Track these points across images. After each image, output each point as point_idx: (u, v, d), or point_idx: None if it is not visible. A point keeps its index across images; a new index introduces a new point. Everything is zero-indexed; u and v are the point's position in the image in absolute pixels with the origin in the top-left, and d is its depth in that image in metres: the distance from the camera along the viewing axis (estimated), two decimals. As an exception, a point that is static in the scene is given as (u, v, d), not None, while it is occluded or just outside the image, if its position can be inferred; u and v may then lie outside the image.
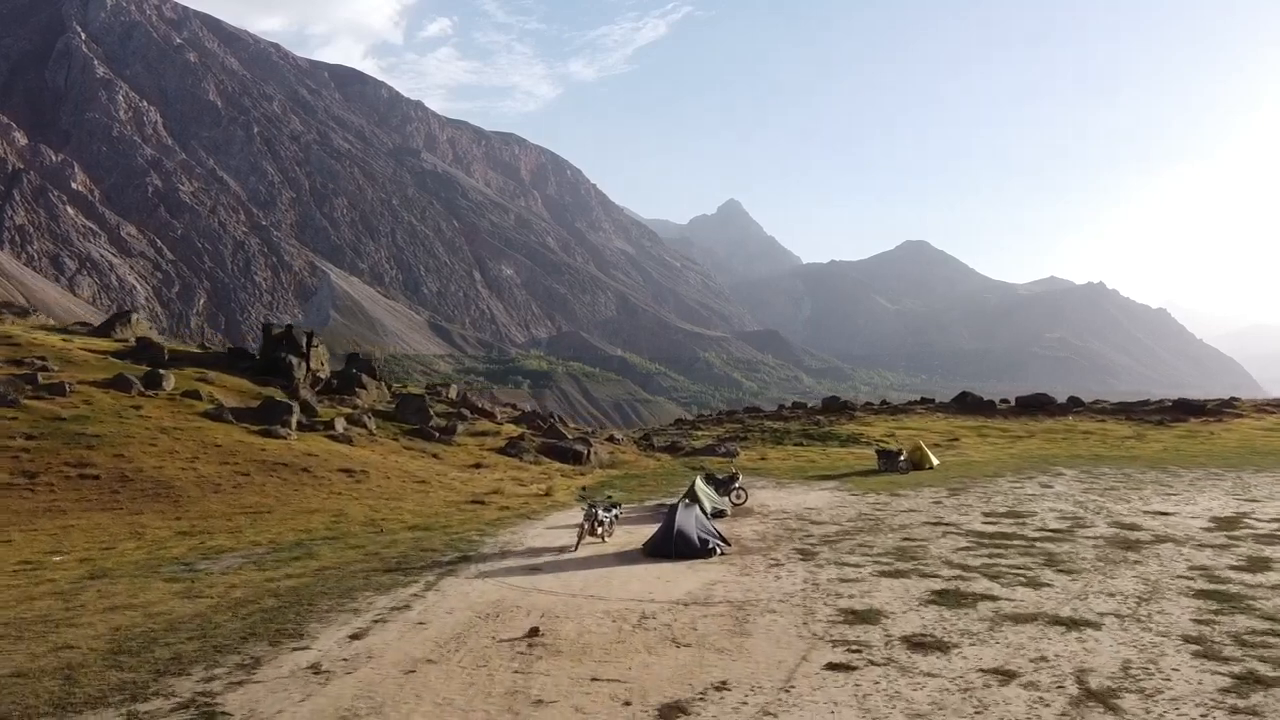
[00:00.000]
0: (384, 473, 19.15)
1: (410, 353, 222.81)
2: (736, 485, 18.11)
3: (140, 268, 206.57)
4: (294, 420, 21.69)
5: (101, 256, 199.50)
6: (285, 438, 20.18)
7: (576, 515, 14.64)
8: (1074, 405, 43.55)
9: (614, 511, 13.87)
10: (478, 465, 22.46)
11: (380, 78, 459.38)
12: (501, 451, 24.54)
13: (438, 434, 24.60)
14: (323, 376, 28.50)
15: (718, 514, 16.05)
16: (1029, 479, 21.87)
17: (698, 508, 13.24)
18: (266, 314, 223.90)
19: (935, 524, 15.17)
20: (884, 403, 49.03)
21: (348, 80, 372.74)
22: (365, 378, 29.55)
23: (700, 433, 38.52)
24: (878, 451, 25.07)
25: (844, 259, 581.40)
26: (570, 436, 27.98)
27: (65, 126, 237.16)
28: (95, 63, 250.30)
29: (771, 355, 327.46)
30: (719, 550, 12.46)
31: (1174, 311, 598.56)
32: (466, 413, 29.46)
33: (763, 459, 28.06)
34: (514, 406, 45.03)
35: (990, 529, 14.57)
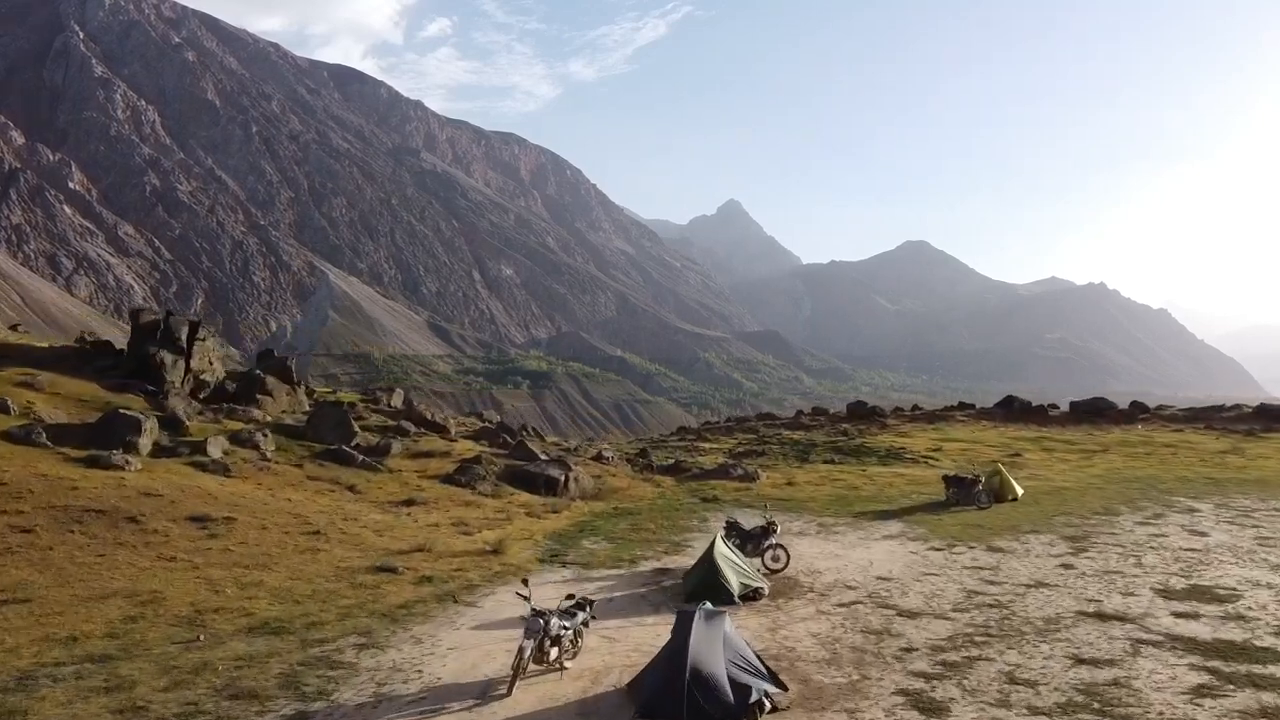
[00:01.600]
0: (260, 519, 13.21)
1: (409, 353, 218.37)
2: (773, 542, 12.43)
3: (138, 267, 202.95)
4: (144, 442, 15.53)
5: (99, 256, 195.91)
6: (122, 468, 14.13)
7: (534, 594, 8.79)
8: (1139, 411, 38.00)
9: (580, 615, 8.16)
10: (409, 502, 16.53)
11: (380, 78, 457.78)
12: (448, 479, 18.61)
13: (362, 457, 18.78)
14: (210, 380, 21.88)
15: (750, 594, 10.46)
16: (1158, 517, 16.27)
17: (726, 619, 7.37)
18: (265, 314, 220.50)
19: (1099, 617, 9.50)
20: (916, 408, 43.09)
21: (347, 80, 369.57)
22: (273, 381, 22.91)
23: (708, 445, 32.74)
24: (947, 478, 19.22)
25: (844, 259, 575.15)
26: (544, 456, 21.54)
27: (63, 125, 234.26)
28: (93, 62, 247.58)
29: (772, 356, 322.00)
30: (766, 703, 6.79)
31: (1175, 312, 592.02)
32: (409, 426, 22.99)
33: (790, 483, 22.18)
34: (479, 417, 37.56)
35: (1201, 630, 8.92)
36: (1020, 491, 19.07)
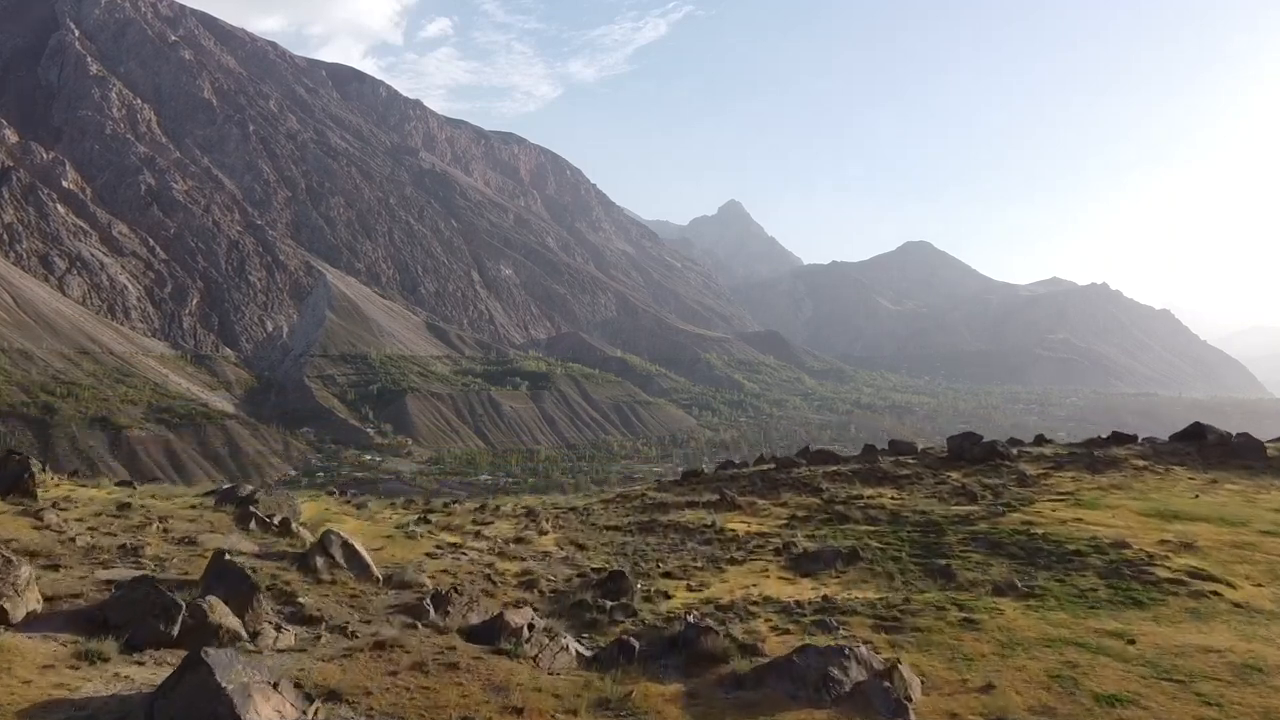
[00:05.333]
0: None
1: (407, 354, 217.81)
2: None
3: (132, 267, 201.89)
4: None
5: (92, 256, 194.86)
6: None
7: None
8: None
9: None
10: None
11: (380, 77, 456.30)
12: None
13: None
14: None
15: None
16: None
17: None
18: (261, 314, 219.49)
19: None
20: (1042, 439, 26.66)
21: (345, 79, 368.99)
22: None
23: (739, 525, 15.89)
24: None
25: (845, 260, 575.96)
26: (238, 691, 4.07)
27: (57, 124, 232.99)
28: (88, 60, 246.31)
29: (773, 356, 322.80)
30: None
31: (1177, 313, 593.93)
32: None
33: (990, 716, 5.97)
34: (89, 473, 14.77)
35: None
36: None
